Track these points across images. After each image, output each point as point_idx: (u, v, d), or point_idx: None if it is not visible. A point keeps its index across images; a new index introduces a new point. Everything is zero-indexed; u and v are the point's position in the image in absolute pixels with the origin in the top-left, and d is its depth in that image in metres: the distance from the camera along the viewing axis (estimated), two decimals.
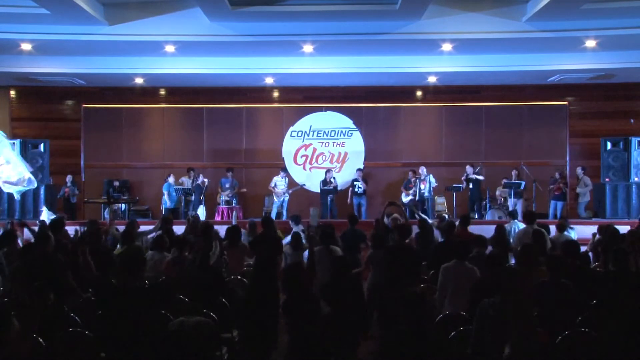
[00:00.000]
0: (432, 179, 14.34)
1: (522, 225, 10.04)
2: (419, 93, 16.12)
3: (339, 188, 15.02)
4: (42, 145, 14.73)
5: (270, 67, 13.92)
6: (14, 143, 14.11)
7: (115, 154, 16.27)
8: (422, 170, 14.51)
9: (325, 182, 14.83)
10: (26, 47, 12.45)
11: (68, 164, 15.85)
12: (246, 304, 5.57)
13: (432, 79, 14.83)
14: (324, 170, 15.46)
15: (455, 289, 5.85)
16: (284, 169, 15.31)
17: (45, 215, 12.50)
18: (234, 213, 14.18)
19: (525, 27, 11.66)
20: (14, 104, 16.21)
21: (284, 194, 14.74)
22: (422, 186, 14.27)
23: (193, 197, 14.68)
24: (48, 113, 16.13)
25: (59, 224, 8.53)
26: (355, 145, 16.26)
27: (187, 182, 14.71)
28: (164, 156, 16.18)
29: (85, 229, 8.96)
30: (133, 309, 4.53)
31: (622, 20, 11.54)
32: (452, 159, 15.86)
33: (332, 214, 14.19)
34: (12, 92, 16.15)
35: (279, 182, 14.81)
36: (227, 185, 14.96)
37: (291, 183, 15.26)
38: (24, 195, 13.67)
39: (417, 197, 14.27)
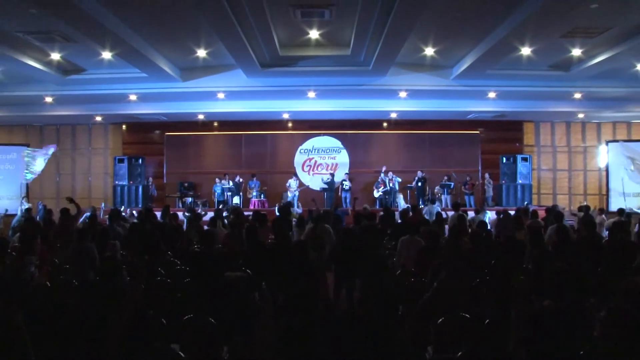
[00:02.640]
0: (398, 179, 14.24)
1: (438, 208, 10.35)
2: (385, 124, 15.97)
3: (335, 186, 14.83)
4: (140, 160, 15.18)
5: (286, 107, 13.80)
6: (123, 159, 14.84)
7: (185, 165, 16.22)
8: (390, 174, 14.32)
9: (328, 183, 14.70)
10: (132, 97, 12.64)
11: (156, 172, 16.14)
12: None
13: (393, 115, 14.71)
14: (323, 175, 15.44)
15: (408, 254, 5.63)
16: (295, 175, 15.23)
17: (125, 209, 12.17)
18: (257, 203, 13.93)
19: (452, 82, 11.73)
20: (125, 134, 16.39)
21: (295, 190, 14.50)
22: (391, 184, 14.15)
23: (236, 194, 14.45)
24: (144, 139, 16.29)
25: (150, 211, 8.74)
26: (343, 158, 16.19)
27: (224, 182, 14.40)
28: (216, 166, 16.05)
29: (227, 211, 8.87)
30: (209, 268, 4.24)
31: (511, 81, 11.78)
32: (406, 167, 15.65)
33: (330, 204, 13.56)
34: (124, 126, 16.38)
35: (292, 183, 14.62)
36: (252, 186, 14.78)
37: (300, 184, 15.18)
38: (129, 193, 14.34)
39: (388, 192, 14.03)
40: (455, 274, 3.79)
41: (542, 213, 9.03)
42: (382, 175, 14.41)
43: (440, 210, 10.24)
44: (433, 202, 11.53)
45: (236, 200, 14.22)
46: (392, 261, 5.75)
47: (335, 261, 5.45)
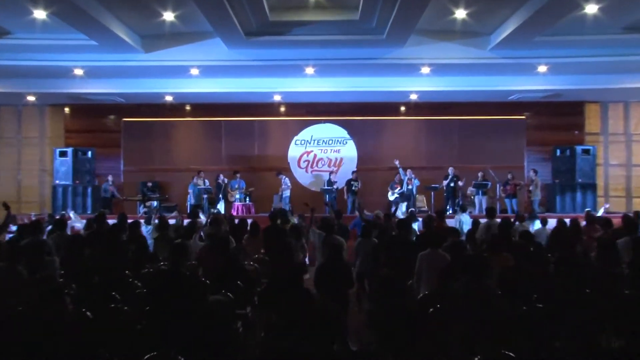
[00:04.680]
0: (417, 181, 14.14)
1: (467, 218, 10.26)
2: (402, 108, 15.99)
3: (338, 187, 14.84)
4: (89, 152, 15.01)
5: (278, 87, 13.86)
6: (66, 151, 14.74)
7: (148, 160, 16.18)
8: (409, 172, 14.23)
9: (329, 183, 14.67)
10: (78, 72, 12.47)
11: (109, 167, 15.91)
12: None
13: (413, 97, 14.73)
14: (323, 172, 15.49)
15: (429, 273, 5.54)
16: (280, 173, 14.92)
17: (73, 215, 12.24)
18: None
19: (489, 54, 11.71)
20: (68, 119, 16.28)
21: (284, 189, 14.56)
22: (410, 185, 14.03)
23: (220, 196, 14.49)
24: (94, 126, 16.17)
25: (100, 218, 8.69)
26: (349, 152, 16.14)
27: (200, 182, 14.40)
28: (189, 161, 16.01)
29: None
30: (180, 291, 4.34)
31: (568, 50, 11.63)
32: (430, 163, 15.70)
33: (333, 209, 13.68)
34: (66, 109, 16.25)
35: (287, 181, 14.69)
36: (236, 186, 14.72)
37: (294, 183, 15.29)
38: (74, 192, 14.23)
39: (405, 194, 14.07)
40: (481, 300, 3.78)
41: (616, 221, 8.66)
42: (401, 172, 14.30)
43: (467, 217, 10.34)
44: (463, 210, 11.39)
45: (221, 206, 14.16)
46: (410, 282, 5.75)
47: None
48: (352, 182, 14.53)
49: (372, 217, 9.47)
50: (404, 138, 16.21)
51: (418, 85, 13.63)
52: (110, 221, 9.31)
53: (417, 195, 14.38)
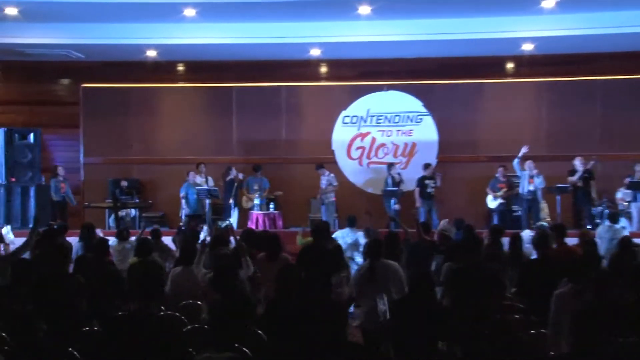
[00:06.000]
0: (542, 180, 14.00)
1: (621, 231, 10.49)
2: (509, 65, 15.85)
3: (404, 189, 14.81)
4: (31, 135, 14.79)
5: (316, 35, 13.83)
6: None
7: (122, 147, 16.33)
8: (530, 164, 13.96)
9: (395, 182, 14.61)
10: (11, 11, 12.36)
11: (64, 158, 16.03)
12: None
13: (527, 47, 14.45)
14: (386, 165, 15.27)
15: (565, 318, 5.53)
16: (321, 166, 15.22)
17: (6, 231, 12.37)
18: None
19: None
20: None
21: (326, 192, 14.78)
22: (530, 186, 13.89)
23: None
24: (38, 95, 16.11)
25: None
26: (425, 134, 16.00)
27: (199, 180, 14.87)
28: (183, 149, 16.16)
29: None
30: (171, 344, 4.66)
31: None
32: (555, 150, 15.49)
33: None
34: None
35: (323, 181, 14.90)
36: (255, 187, 14.96)
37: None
38: (9, 198, 14.29)
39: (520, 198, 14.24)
40: None
41: None
42: (516, 165, 14.09)
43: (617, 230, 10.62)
44: (613, 220, 11.40)
45: (232, 217, 14.48)
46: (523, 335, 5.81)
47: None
48: (426, 181, 14.41)
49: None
50: (512, 112, 16.02)
51: (536, 28, 13.38)
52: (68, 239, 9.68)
53: (543, 203, 14.29)
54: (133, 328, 4.84)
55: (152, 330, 4.79)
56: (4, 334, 5.28)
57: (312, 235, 8.84)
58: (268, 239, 8.19)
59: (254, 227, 14.25)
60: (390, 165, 14.88)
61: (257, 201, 14.70)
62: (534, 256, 8.21)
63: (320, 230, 8.71)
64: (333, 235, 10.34)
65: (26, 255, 8.41)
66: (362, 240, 10.41)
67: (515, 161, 14.07)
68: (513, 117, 15.85)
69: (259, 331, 5.48)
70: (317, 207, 14.88)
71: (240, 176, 14.77)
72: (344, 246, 9.56)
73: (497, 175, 14.39)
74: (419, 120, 15.92)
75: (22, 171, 14.56)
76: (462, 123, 15.86)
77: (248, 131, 16.19)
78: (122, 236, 10.09)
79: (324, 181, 14.74)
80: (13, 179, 14.49)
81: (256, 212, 14.54)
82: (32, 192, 14.41)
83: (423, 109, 15.88)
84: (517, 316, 6.46)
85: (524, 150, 14.07)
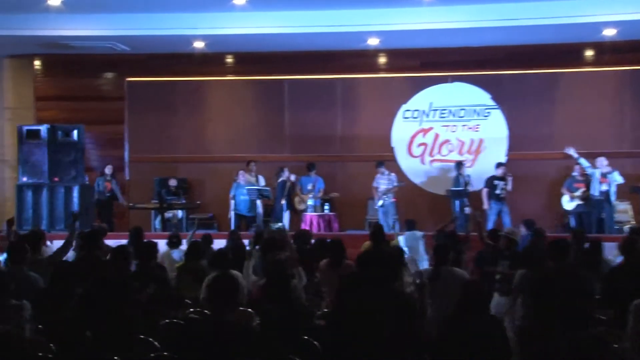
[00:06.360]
0: (618, 177, 13.70)
1: None
2: (588, 53, 15.55)
3: (471, 189, 14.65)
4: (74, 132, 14.76)
5: (374, 23, 13.80)
6: (38, 130, 14.66)
7: (169, 144, 16.44)
8: (603, 161, 13.73)
9: (458, 181, 14.49)
10: (54, 2, 12.50)
11: (108, 157, 16.20)
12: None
13: (609, 32, 14.12)
14: (454, 164, 15.13)
15: None
16: (381, 163, 15.17)
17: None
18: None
19: None
20: (40, 79, 16.43)
21: (384, 194, 14.63)
22: (602, 186, 13.65)
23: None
24: (82, 90, 16.24)
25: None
26: (493, 129, 15.83)
27: (249, 178, 14.90)
28: (232, 146, 16.19)
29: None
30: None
31: None
32: (638, 146, 15.32)
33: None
34: (37, 63, 16.37)
35: (381, 180, 14.80)
36: (309, 187, 14.95)
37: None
38: (52, 200, 14.34)
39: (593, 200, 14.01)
40: None
41: None
42: (584, 162, 13.84)
43: None
44: None
45: (284, 218, 14.47)
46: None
47: None
48: (495, 181, 14.25)
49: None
50: (590, 105, 15.78)
51: (619, 10, 13.06)
52: (112, 242, 9.72)
53: (616, 203, 13.96)
54: (207, 335, 4.87)
55: (226, 338, 4.78)
56: (51, 345, 5.30)
57: (370, 238, 8.88)
58: (331, 245, 8.28)
59: (307, 227, 14.26)
60: (460, 164, 14.71)
61: (310, 202, 14.74)
62: (618, 262, 8.04)
63: (378, 234, 8.78)
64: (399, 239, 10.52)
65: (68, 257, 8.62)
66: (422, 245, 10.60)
67: (582, 160, 13.83)
68: (592, 110, 15.59)
69: (316, 342, 5.46)
70: (375, 209, 14.78)
71: (293, 177, 14.74)
72: (407, 250, 9.64)
73: (573, 174, 14.20)
74: (486, 115, 15.75)
75: (65, 170, 14.55)
76: (535, 117, 15.62)
77: (301, 127, 16.19)
78: (172, 243, 10.19)
79: (382, 180, 14.64)
80: (56, 179, 14.49)
81: (310, 214, 14.61)
82: (75, 192, 14.42)
83: (491, 102, 15.71)
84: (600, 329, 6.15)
85: (570, 152, 13.81)
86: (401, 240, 10.82)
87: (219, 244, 10.36)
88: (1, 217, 15.26)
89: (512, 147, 15.53)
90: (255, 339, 5.13)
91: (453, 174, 14.76)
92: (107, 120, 16.17)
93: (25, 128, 14.77)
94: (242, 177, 14.62)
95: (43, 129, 14.50)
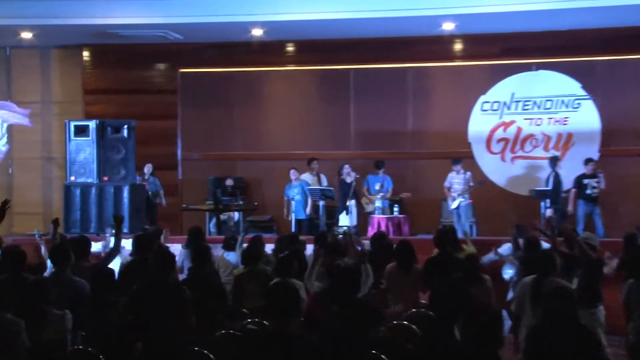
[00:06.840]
0: None
1: None
2: None
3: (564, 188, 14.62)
4: (125, 128, 15.00)
5: (449, 6, 13.80)
6: (86, 126, 14.91)
7: (225, 140, 16.67)
8: None
9: (551, 180, 14.38)
10: None
11: (159, 154, 16.21)
12: None
13: None
14: (548, 160, 14.97)
15: None
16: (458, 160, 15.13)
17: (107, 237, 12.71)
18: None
19: None
20: (88, 71, 16.67)
21: (459, 195, 14.61)
22: None
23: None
24: (132, 82, 16.52)
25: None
26: (584, 122, 15.70)
27: (310, 179, 15.03)
28: (293, 142, 16.43)
29: None
30: None
31: None
32: None
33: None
34: (85, 54, 16.61)
35: (455, 180, 14.77)
36: (377, 187, 14.94)
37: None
38: (101, 201, 14.53)
39: None
40: None
41: None
42: None
43: None
44: None
45: (343, 219, 14.60)
46: None
47: None
48: (585, 180, 14.24)
49: None
50: None
51: None
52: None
53: None
54: (271, 348, 4.88)
55: (285, 351, 4.80)
56: (100, 356, 5.45)
57: (435, 244, 8.97)
58: (399, 248, 8.37)
59: (375, 230, 14.25)
60: (555, 160, 14.59)
61: (378, 203, 14.69)
62: None
63: (445, 238, 8.91)
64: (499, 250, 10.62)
65: (115, 263, 8.70)
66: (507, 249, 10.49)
67: None
68: None
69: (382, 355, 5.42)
70: (449, 211, 14.78)
71: (353, 175, 14.70)
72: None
73: None
74: (576, 106, 15.69)
75: (114, 169, 14.82)
76: (631, 108, 15.45)
77: (368, 121, 16.23)
78: (229, 245, 10.29)
79: (456, 180, 14.61)
80: (105, 178, 14.72)
81: (378, 216, 14.59)
82: (125, 193, 14.60)
83: (582, 92, 15.60)
84: None
85: None
86: (505, 249, 10.70)
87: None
88: (48, 220, 15.14)
89: (605, 143, 15.40)
90: (315, 351, 5.08)
91: (544, 172, 14.75)
92: (158, 114, 16.34)
93: (73, 124, 15.00)
94: (294, 176, 14.69)
95: (92, 124, 14.77)
